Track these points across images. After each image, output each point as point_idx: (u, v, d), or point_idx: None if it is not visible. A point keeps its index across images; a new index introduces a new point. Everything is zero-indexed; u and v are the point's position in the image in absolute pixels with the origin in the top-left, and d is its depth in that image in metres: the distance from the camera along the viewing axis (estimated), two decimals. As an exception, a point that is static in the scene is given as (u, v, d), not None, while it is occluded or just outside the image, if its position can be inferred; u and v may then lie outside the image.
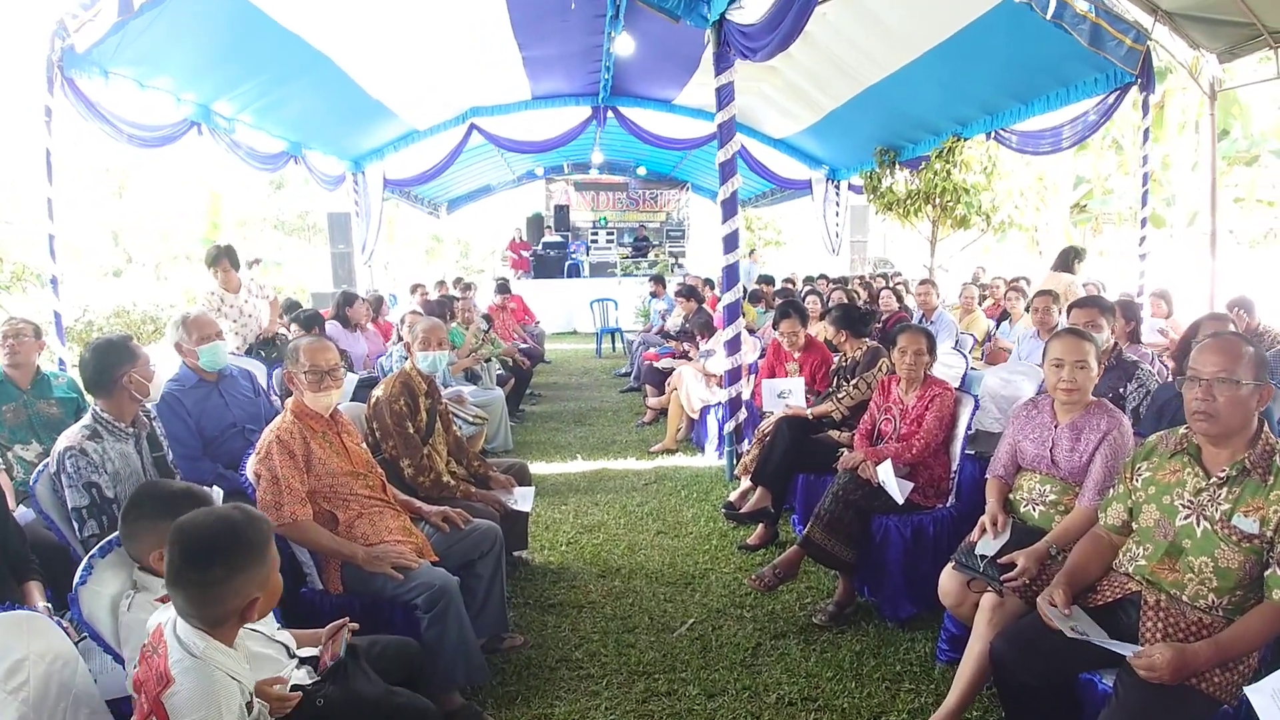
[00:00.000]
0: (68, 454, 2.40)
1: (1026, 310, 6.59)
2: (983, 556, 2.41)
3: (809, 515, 3.29)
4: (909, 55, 7.14)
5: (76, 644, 1.85)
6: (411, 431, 3.25)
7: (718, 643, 3.04)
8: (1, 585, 2.21)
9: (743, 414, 5.06)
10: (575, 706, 2.64)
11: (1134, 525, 2.09)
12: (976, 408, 3.33)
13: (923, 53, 6.95)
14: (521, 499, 3.43)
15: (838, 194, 12.61)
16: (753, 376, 5.37)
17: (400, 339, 5.77)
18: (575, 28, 8.33)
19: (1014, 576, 2.27)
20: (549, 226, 17.62)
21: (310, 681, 1.85)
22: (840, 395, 4.12)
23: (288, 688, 1.78)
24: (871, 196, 10.23)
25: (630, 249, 17.25)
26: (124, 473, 2.51)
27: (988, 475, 2.76)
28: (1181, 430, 2.06)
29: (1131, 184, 15.19)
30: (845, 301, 6.11)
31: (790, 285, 9.94)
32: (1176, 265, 11.79)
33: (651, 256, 16.74)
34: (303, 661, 1.92)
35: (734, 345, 5.03)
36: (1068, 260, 5.75)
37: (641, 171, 17.99)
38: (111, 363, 2.55)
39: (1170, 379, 3.39)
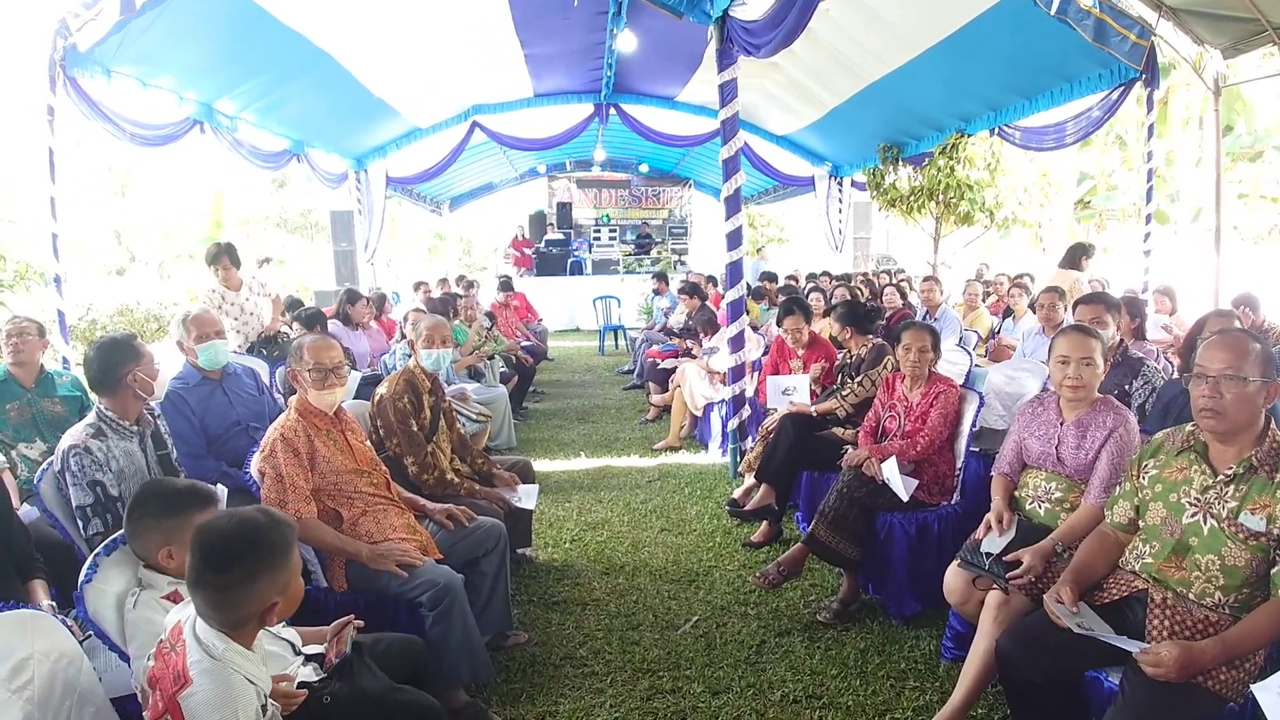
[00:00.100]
0: (72, 452, 2.40)
1: (1030, 307, 6.59)
2: (988, 554, 2.41)
3: (813, 513, 3.28)
4: (912, 51, 7.12)
5: (81, 642, 1.85)
6: (415, 429, 3.25)
7: (722, 640, 3.04)
8: (6, 584, 2.21)
9: (746, 411, 5.05)
10: (580, 704, 2.64)
11: (1140, 523, 2.08)
12: (981, 405, 3.32)
13: (926, 48, 6.93)
14: (525, 496, 3.43)
15: (840, 190, 12.59)
16: (756, 374, 5.36)
17: (403, 337, 5.77)
18: (577, 25, 8.33)
19: (1019, 574, 2.26)
20: (551, 224, 17.62)
21: (317, 679, 1.85)
22: (845, 393, 4.11)
23: (294, 685, 1.78)
24: (875, 193, 10.20)
25: (633, 246, 17.24)
26: (128, 471, 2.51)
27: (993, 472, 2.75)
28: (1188, 428, 2.05)
29: (1135, 180, 15.18)
30: (849, 298, 6.10)
31: (793, 282, 9.93)
32: (1180, 261, 11.77)
33: (654, 254, 16.74)
34: (308, 659, 1.92)
35: (737, 342, 5.03)
36: (1075, 257, 5.73)
37: (644, 169, 17.97)
38: (116, 361, 2.55)
39: (1175, 376, 3.38)
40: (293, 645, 1.93)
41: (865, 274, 10.57)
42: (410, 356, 3.58)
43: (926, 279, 6.94)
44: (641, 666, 2.86)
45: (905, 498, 3.09)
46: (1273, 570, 1.82)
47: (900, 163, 9.76)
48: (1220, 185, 6.01)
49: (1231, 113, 13.64)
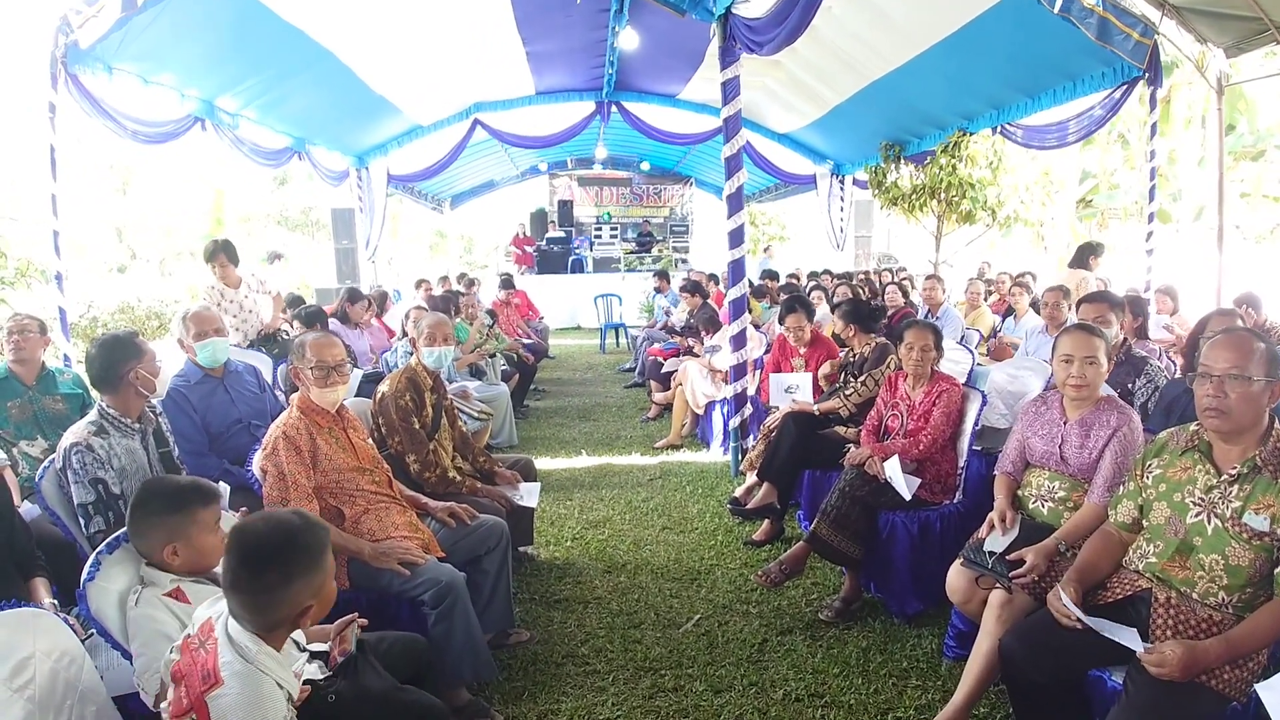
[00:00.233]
0: (74, 450, 2.40)
1: (1033, 306, 6.58)
2: (991, 553, 2.40)
3: (815, 511, 3.28)
4: (915, 49, 7.11)
5: (84, 641, 1.85)
6: (417, 427, 3.25)
7: (724, 638, 3.04)
8: (7, 582, 2.21)
9: (748, 409, 5.05)
10: (582, 702, 2.64)
11: (1144, 522, 2.08)
12: (984, 403, 3.31)
13: (928, 47, 6.92)
14: (527, 494, 3.43)
15: (842, 189, 12.58)
16: (758, 372, 5.36)
17: (405, 334, 5.76)
18: (579, 22, 8.32)
19: (1023, 573, 2.26)
20: (553, 222, 17.61)
21: (321, 676, 1.85)
22: (848, 391, 4.11)
23: (300, 682, 1.78)
24: (876, 191, 10.18)
25: (634, 244, 17.23)
26: (130, 469, 2.51)
27: (996, 471, 2.75)
28: (1192, 427, 2.04)
29: (1137, 179, 15.18)
30: (852, 296, 6.09)
31: (794, 280, 9.92)
32: (1183, 261, 11.75)
33: (655, 252, 16.72)
34: (313, 655, 1.92)
35: (739, 340, 5.02)
36: (1084, 256, 5.72)
37: (645, 166, 17.97)
38: (118, 359, 2.55)
39: (1178, 375, 3.37)
40: (297, 643, 1.92)
41: (866, 272, 10.56)
42: (412, 354, 3.57)
43: (929, 277, 6.93)
44: (643, 665, 2.86)
45: (908, 496, 3.09)
46: (1276, 570, 1.82)
47: (902, 161, 9.75)
48: (1223, 184, 6.00)
49: (1234, 112, 13.62)
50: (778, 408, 4.39)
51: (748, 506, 3.98)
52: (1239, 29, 5.09)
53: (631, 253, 16.66)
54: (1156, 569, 2.00)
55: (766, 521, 3.97)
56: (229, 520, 2.18)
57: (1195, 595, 1.91)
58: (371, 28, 7.11)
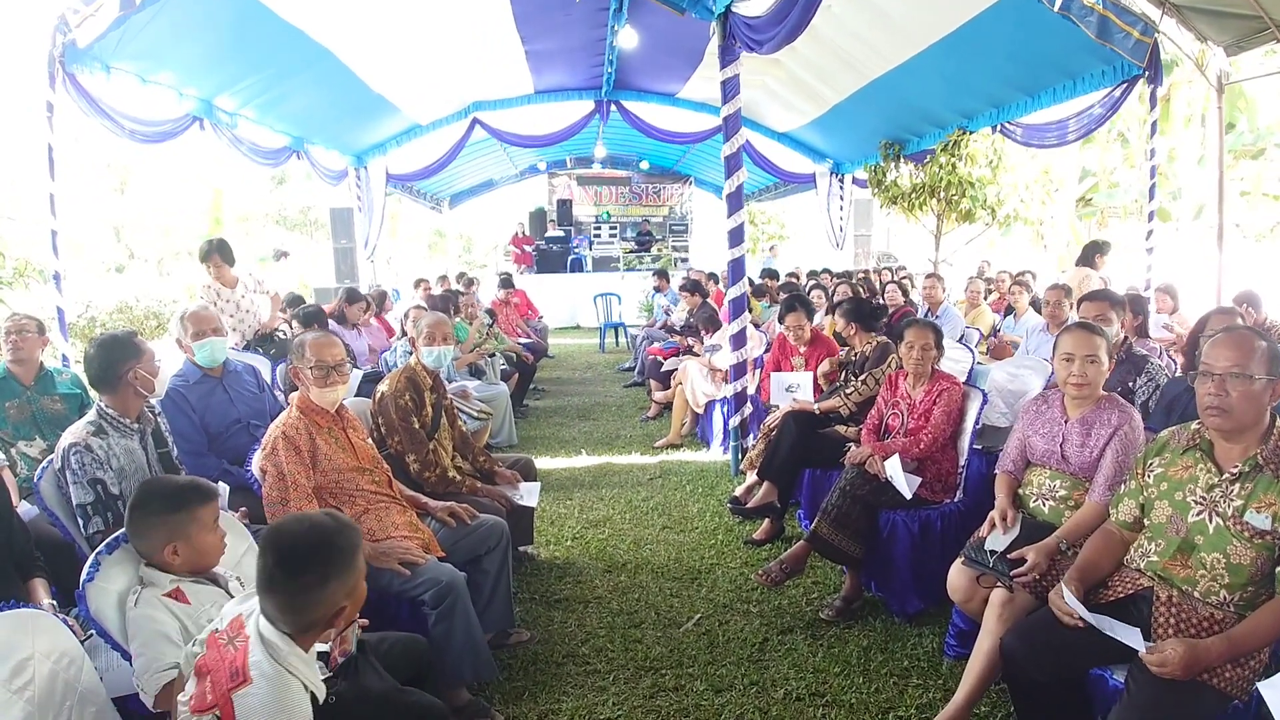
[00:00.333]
0: (73, 450, 2.40)
1: (1032, 304, 6.58)
2: (992, 552, 2.40)
3: (815, 510, 3.28)
4: (914, 48, 7.10)
5: (83, 641, 1.85)
6: (417, 426, 3.25)
7: (724, 638, 3.04)
8: (6, 583, 2.20)
9: (748, 408, 5.04)
10: (582, 702, 2.63)
11: (1145, 521, 2.08)
12: (985, 402, 3.31)
13: (928, 45, 6.91)
14: (527, 494, 3.42)
15: (842, 188, 12.57)
16: (757, 371, 5.36)
17: (404, 333, 5.76)
18: (578, 21, 8.31)
19: (1024, 572, 2.25)
20: (552, 221, 17.61)
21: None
22: (848, 390, 4.10)
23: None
24: (876, 190, 10.18)
25: (633, 243, 17.23)
26: (129, 469, 2.50)
27: (997, 470, 2.74)
28: (1194, 426, 2.04)
29: (1137, 177, 15.18)
30: (852, 295, 6.08)
31: (794, 279, 9.91)
32: (1182, 259, 11.75)
33: (654, 251, 16.71)
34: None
35: (739, 339, 5.02)
36: (1090, 255, 5.71)
37: (644, 166, 17.95)
38: (116, 358, 2.54)
39: (1178, 374, 3.37)
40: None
41: (865, 271, 10.55)
42: (411, 354, 3.57)
43: (929, 276, 6.92)
44: (644, 664, 2.86)
45: (908, 495, 3.08)
46: (1278, 568, 1.82)
47: (902, 160, 9.74)
48: (1223, 183, 5.99)
49: (1234, 110, 13.62)
50: (778, 407, 4.39)
51: (748, 505, 3.97)
52: (1239, 27, 5.08)
53: (631, 252, 16.66)
54: (1158, 568, 1.99)
55: (767, 520, 3.97)
56: (228, 520, 2.18)
57: (1197, 594, 1.91)
58: (370, 27, 7.09)
